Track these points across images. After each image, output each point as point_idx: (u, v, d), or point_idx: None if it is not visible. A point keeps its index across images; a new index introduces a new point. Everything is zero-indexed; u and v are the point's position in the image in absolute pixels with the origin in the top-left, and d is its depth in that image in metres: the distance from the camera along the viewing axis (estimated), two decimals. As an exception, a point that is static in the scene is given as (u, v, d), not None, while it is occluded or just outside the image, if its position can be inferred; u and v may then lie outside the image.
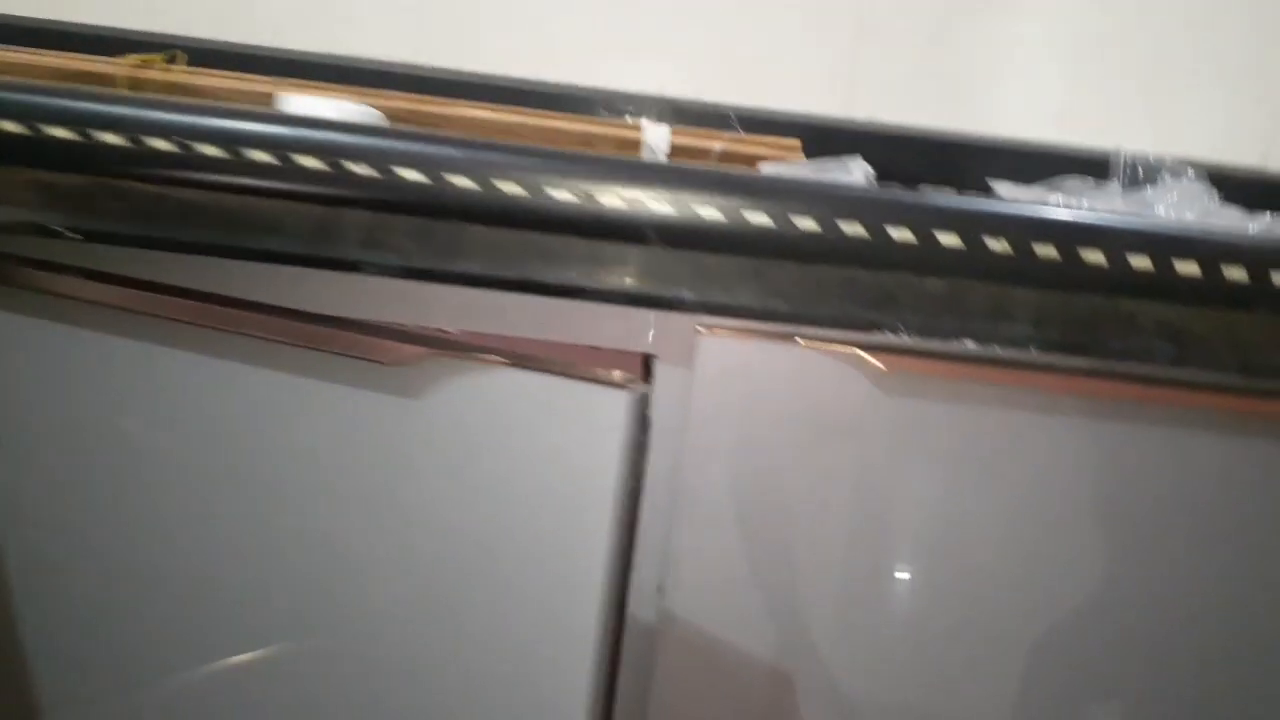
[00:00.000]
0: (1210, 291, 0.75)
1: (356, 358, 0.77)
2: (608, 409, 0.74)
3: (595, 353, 0.81)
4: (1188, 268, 0.74)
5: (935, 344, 0.80)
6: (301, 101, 0.90)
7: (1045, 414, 0.81)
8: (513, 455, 0.78)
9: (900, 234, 0.75)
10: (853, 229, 0.75)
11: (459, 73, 1.16)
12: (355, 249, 0.80)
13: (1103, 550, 0.84)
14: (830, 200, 0.75)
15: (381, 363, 0.76)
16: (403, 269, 0.80)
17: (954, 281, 0.78)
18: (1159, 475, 0.82)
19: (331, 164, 0.76)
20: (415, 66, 1.16)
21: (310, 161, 0.76)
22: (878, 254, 0.77)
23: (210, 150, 0.76)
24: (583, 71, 1.22)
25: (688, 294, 0.79)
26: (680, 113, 1.10)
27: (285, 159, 0.76)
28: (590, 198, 0.75)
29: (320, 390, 0.79)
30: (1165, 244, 0.74)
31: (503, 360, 0.76)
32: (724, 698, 0.86)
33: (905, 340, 0.80)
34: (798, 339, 0.82)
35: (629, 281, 0.79)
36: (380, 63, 1.15)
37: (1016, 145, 1.16)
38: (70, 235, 0.81)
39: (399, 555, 0.81)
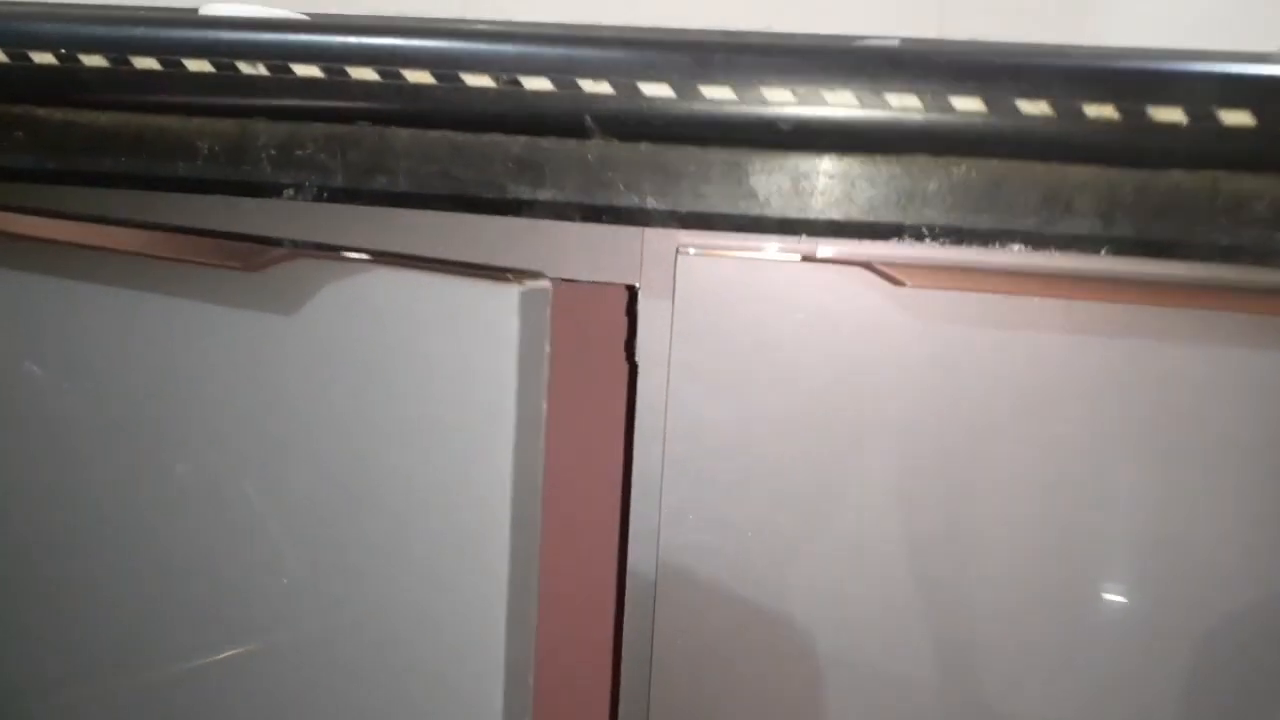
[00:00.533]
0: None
1: (208, 264, 0.65)
2: (497, 309, 0.59)
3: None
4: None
5: (968, 251, 0.62)
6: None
7: (1111, 337, 0.61)
8: (394, 367, 0.63)
9: (903, 100, 0.57)
10: (840, 100, 0.58)
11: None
12: (272, 168, 0.69)
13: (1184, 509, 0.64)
14: (810, 60, 0.58)
15: (239, 268, 0.64)
16: (324, 189, 0.69)
17: (988, 164, 0.60)
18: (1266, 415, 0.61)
19: (231, 67, 0.66)
20: None
21: (204, 66, 0.66)
22: (883, 133, 0.60)
23: (98, 61, 0.67)
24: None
25: (653, 201, 0.64)
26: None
27: (176, 65, 0.66)
28: (515, 83, 0.61)
29: (171, 306, 0.67)
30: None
31: (375, 259, 0.62)
32: (727, 633, 0.70)
33: (929, 249, 0.62)
34: (791, 253, 0.66)
35: (571, 192, 0.64)
36: None
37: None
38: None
39: (272, 490, 0.68)
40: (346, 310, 0.63)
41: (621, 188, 0.64)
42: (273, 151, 0.69)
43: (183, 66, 0.66)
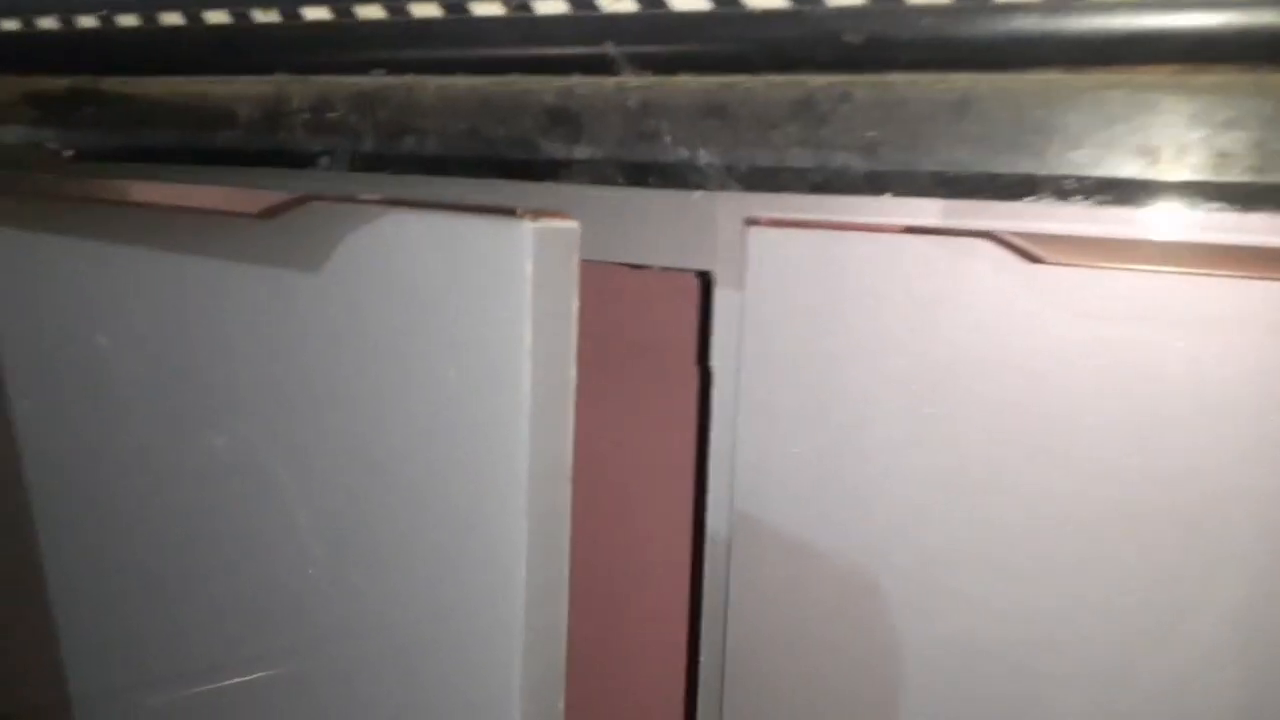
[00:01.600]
0: None
1: (219, 213, 0.58)
2: (508, 249, 0.48)
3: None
4: None
5: (1125, 217, 0.44)
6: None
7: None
8: (404, 316, 0.54)
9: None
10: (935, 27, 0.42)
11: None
12: (305, 133, 0.62)
13: None
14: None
15: (250, 215, 0.56)
16: (355, 155, 0.60)
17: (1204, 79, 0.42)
18: None
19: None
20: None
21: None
22: (1028, 42, 0.43)
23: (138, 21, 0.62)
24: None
25: (706, 155, 0.50)
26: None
27: (197, 20, 0.60)
28: (524, 7, 0.50)
29: (183, 259, 0.61)
30: None
31: (387, 202, 0.53)
32: (803, 604, 0.55)
33: (1074, 213, 0.44)
34: (889, 222, 0.50)
35: (610, 147, 0.52)
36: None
37: None
38: (64, 153, 0.72)
39: (284, 442, 0.60)
40: (359, 257, 0.54)
41: (668, 140, 0.51)
42: (306, 115, 0.62)
43: (202, 21, 0.60)
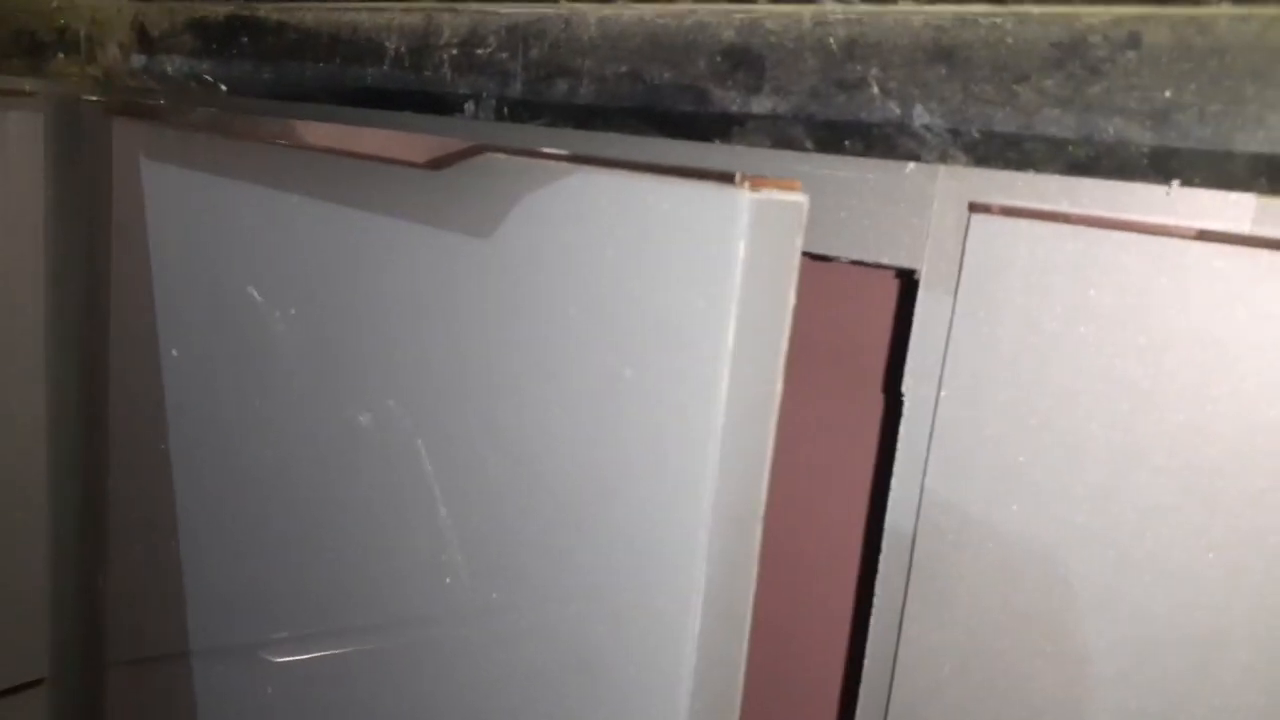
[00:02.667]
0: None
1: (390, 161, 0.50)
2: (716, 220, 0.37)
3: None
4: None
5: None
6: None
7: None
8: (589, 287, 0.44)
9: None
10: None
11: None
12: (452, 73, 0.53)
13: None
14: None
15: (417, 165, 0.48)
16: (502, 100, 0.51)
17: None
18: None
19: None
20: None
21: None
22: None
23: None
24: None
25: (925, 115, 0.38)
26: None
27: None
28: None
29: (350, 211, 0.54)
30: None
31: (574, 160, 0.43)
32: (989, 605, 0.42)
33: None
34: (1180, 225, 0.35)
35: (800, 99, 0.40)
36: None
37: None
38: (220, 86, 0.67)
39: (444, 406, 0.52)
40: (535, 220, 0.45)
41: (875, 91, 0.39)
42: (454, 51, 0.53)
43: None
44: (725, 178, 0.37)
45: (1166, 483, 0.39)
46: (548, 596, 0.51)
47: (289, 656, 0.71)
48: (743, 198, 0.37)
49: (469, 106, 0.53)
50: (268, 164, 0.60)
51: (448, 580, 0.57)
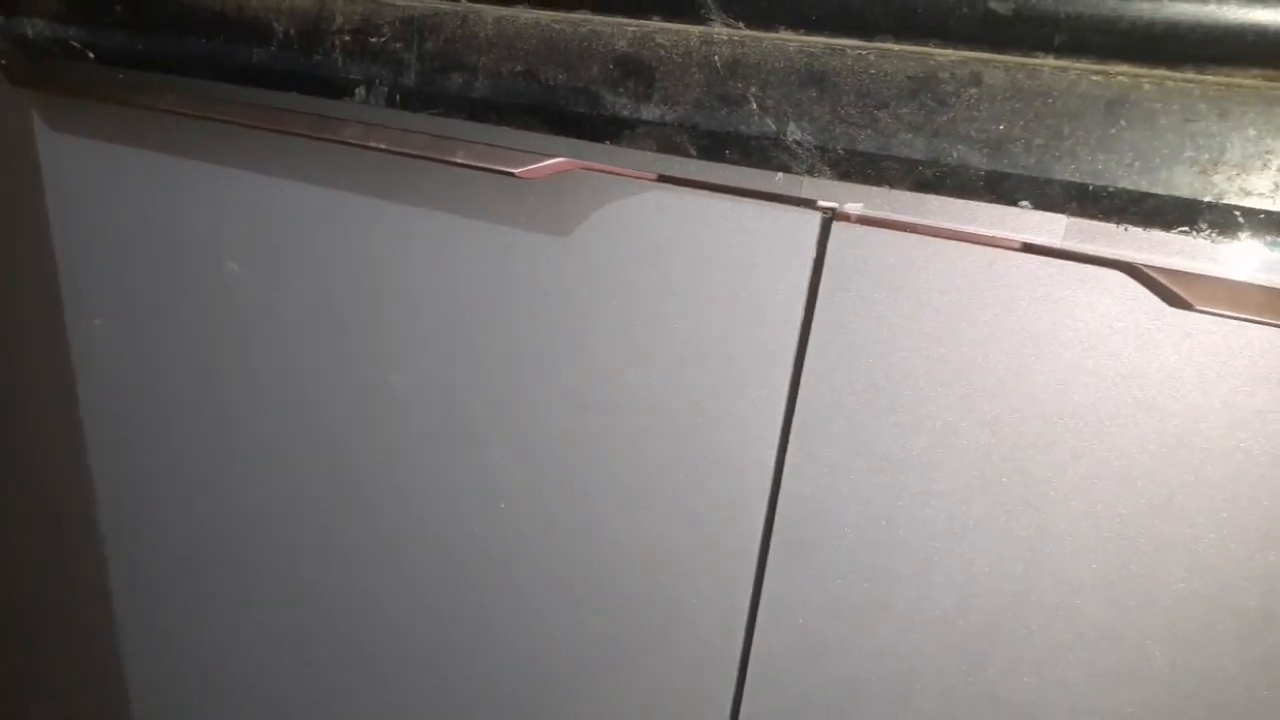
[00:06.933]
0: None
1: (481, 168, 0.51)
2: (788, 240, 0.44)
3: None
4: None
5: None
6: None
7: None
8: (662, 300, 0.51)
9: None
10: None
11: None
12: (343, 59, 0.55)
13: None
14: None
15: (513, 174, 0.50)
16: (394, 89, 0.53)
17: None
18: None
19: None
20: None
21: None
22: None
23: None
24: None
25: (797, 131, 0.43)
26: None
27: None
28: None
29: (438, 214, 0.57)
30: None
31: (659, 180, 0.47)
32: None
33: (1235, 257, 0.36)
34: (1006, 236, 0.42)
35: (685, 109, 0.44)
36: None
37: None
38: (89, 54, 0.65)
39: (513, 408, 0.59)
40: (620, 232, 0.50)
41: (754, 108, 0.43)
42: (346, 37, 0.54)
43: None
44: (807, 203, 0.44)
45: (989, 455, 0.45)
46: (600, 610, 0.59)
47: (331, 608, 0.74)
48: (813, 219, 0.45)
49: (360, 91, 0.55)
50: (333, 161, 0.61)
51: (502, 505, 0.62)
